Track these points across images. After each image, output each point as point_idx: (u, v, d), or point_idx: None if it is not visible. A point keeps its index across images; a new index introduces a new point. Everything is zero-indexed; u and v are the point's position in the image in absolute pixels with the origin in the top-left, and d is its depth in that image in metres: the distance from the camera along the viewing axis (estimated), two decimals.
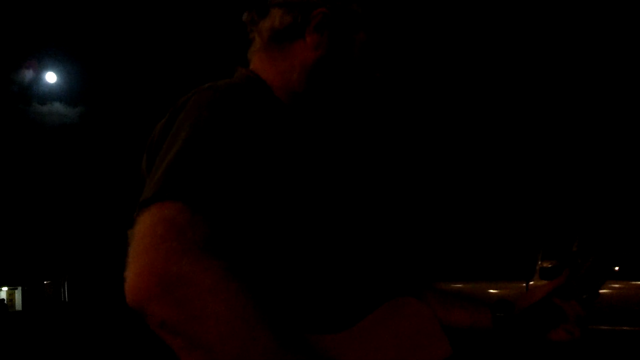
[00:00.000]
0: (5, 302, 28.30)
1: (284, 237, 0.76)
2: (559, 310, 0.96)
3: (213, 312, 0.60)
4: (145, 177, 0.79)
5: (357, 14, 0.90)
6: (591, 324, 0.97)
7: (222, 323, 0.60)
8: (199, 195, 0.66)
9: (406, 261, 0.96)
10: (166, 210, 0.65)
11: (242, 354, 0.59)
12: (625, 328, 5.43)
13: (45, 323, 17.15)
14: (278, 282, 0.75)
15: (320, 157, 0.87)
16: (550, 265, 6.15)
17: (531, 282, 6.20)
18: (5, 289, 31.16)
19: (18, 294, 31.80)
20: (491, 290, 6.52)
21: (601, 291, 0.98)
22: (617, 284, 5.51)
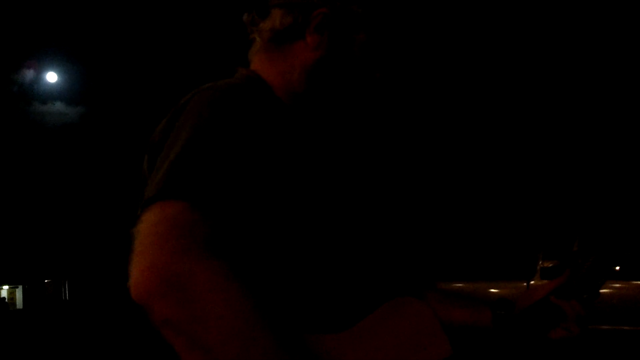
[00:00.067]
0: (6, 300, 28.32)
1: (285, 237, 0.76)
2: (559, 310, 0.97)
3: (214, 313, 0.60)
4: (147, 178, 0.80)
5: (357, 14, 0.90)
6: (592, 323, 0.97)
7: (223, 324, 0.60)
8: (202, 195, 0.67)
9: (406, 261, 0.97)
10: (170, 209, 0.66)
11: (241, 355, 0.59)
12: (625, 328, 5.43)
13: (46, 322, 17.16)
14: (279, 282, 0.75)
15: (320, 157, 0.87)
16: (551, 265, 6.16)
17: (532, 282, 6.20)
18: (6, 287, 31.17)
19: (19, 293, 31.82)
20: (492, 290, 6.52)
21: (602, 291, 0.98)
22: (617, 283, 5.51)
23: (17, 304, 31.23)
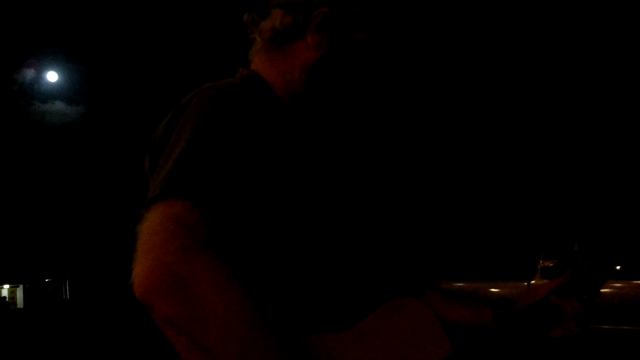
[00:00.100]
0: (7, 299, 28.35)
1: (285, 236, 0.76)
2: (559, 310, 0.97)
3: (215, 313, 0.60)
4: (148, 177, 0.80)
5: (358, 14, 0.90)
6: (592, 323, 0.97)
7: (223, 324, 0.60)
8: (205, 194, 0.67)
9: (407, 261, 0.97)
10: (175, 207, 0.66)
11: (241, 356, 0.60)
12: (626, 327, 5.43)
13: (47, 321, 17.18)
14: (279, 281, 0.75)
15: (321, 157, 0.87)
16: (551, 265, 6.16)
17: (532, 282, 6.20)
18: (6, 286, 31.18)
19: (19, 292, 31.82)
20: (493, 290, 6.52)
21: (602, 290, 0.98)
22: (618, 283, 5.51)
23: (18, 303, 31.25)
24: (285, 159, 0.79)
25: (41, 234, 29.58)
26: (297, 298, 0.76)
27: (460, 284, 6.94)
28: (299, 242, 0.77)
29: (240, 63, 0.95)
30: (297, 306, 0.76)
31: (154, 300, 0.62)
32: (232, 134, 0.74)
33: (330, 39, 0.89)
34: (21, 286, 31.71)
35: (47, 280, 32.58)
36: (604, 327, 5.32)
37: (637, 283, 5.49)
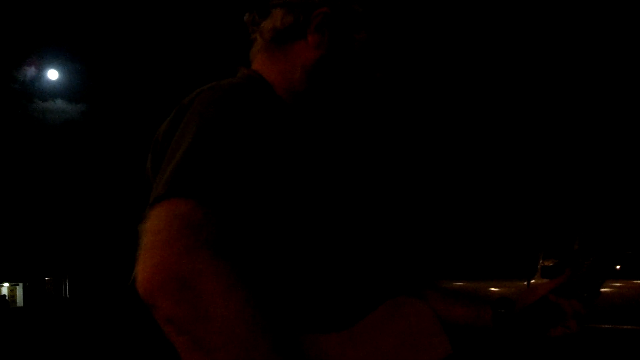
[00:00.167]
0: (7, 298, 28.34)
1: (286, 236, 0.77)
2: (559, 309, 0.97)
3: (216, 314, 0.61)
4: (150, 177, 0.80)
5: (358, 13, 0.90)
6: (592, 322, 0.98)
7: (224, 325, 0.60)
8: (209, 193, 0.67)
9: (407, 260, 0.97)
10: (180, 207, 0.66)
11: (241, 358, 0.60)
12: (625, 327, 5.44)
13: (47, 319, 17.19)
14: (280, 281, 0.76)
15: (321, 156, 0.87)
16: (551, 264, 6.16)
17: (532, 281, 6.20)
18: (6, 285, 31.18)
19: (19, 290, 31.82)
20: (493, 289, 6.52)
21: (602, 290, 0.98)
22: (618, 282, 5.51)
23: (18, 301, 31.25)
24: (286, 158, 0.79)
25: (41, 233, 29.60)
26: (298, 297, 0.76)
27: (460, 284, 6.94)
28: (300, 241, 0.77)
29: (241, 63, 0.95)
30: (297, 305, 0.76)
31: (156, 299, 0.62)
32: (235, 133, 0.74)
33: (331, 39, 0.89)
34: (21, 284, 31.70)
35: (47, 278, 32.57)
36: (604, 326, 5.33)
37: (637, 283, 5.49)
